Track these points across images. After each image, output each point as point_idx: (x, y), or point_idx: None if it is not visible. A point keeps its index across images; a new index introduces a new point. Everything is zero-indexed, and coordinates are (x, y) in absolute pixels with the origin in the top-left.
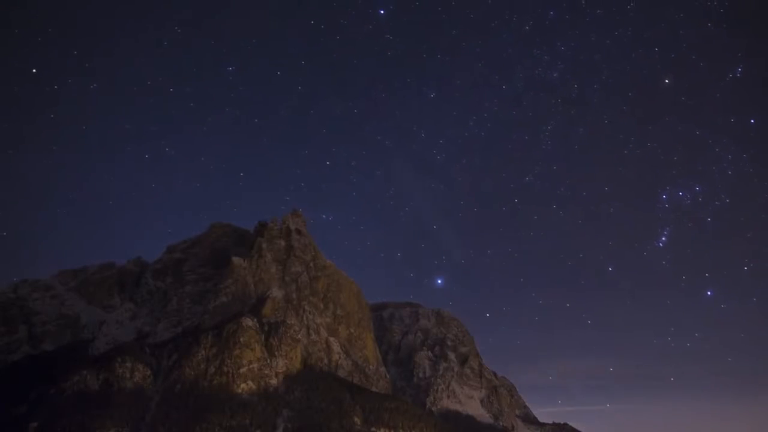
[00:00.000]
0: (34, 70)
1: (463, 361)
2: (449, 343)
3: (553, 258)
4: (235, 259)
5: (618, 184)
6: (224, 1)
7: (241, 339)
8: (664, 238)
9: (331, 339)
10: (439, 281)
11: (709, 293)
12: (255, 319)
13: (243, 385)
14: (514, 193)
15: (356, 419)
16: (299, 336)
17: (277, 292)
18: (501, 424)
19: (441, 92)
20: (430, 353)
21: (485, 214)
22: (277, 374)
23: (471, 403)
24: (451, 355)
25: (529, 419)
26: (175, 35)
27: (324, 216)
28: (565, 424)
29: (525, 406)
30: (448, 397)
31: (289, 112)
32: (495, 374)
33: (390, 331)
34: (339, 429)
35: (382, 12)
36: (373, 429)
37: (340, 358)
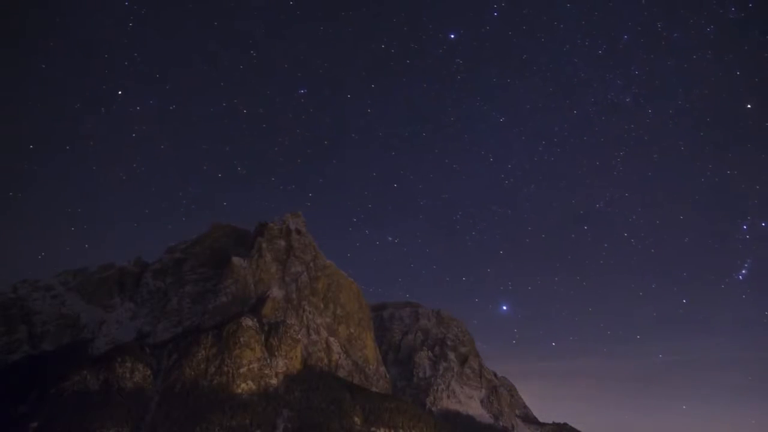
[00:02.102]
0: (119, 92)
1: (463, 361)
2: (449, 343)
3: (623, 288)
4: (235, 259)
5: (694, 212)
6: (297, 25)
7: (241, 339)
8: (744, 271)
9: (331, 339)
10: (504, 307)
11: None
12: (255, 319)
13: (243, 385)
14: (583, 219)
15: (356, 419)
16: (299, 336)
17: (277, 292)
18: (501, 424)
19: (510, 116)
20: (430, 353)
21: (553, 241)
22: (277, 374)
23: (471, 403)
24: (451, 355)
25: (529, 419)
26: (250, 59)
27: (390, 238)
28: (565, 424)
29: (525, 406)
30: (448, 397)
31: (358, 135)
32: (495, 374)
33: (390, 331)
34: (339, 429)
35: (452, 36)
36: (373, 429)
37: (340, 358)
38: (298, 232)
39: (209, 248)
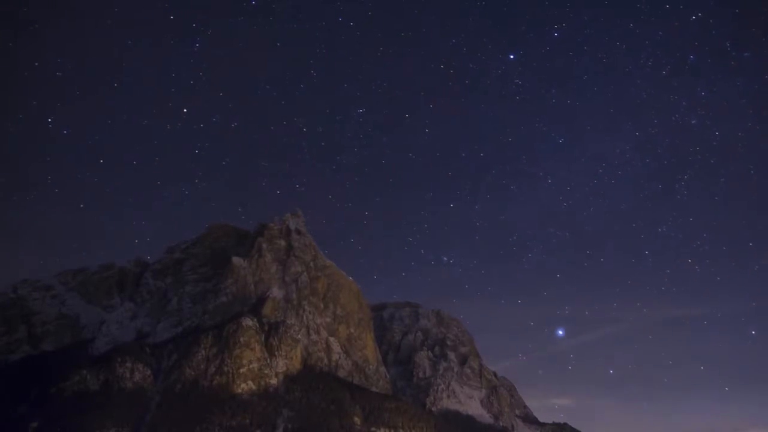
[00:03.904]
0: (185, 110)
1: (463, 361)
2: (449, 343)
3: (686, 316)
4: (235, 259)
5: (764, 239)
6: (357, 46)
7: (241, 339)
8: None
9: (331, 339)
10: (560, 332)
11: None
12: (255, 319)
13: (243, 385)
14: (645, 244)
15: (356, 419)
16: (299, 336)
17: (277, 292)
18: (501, 424)
19: (570, 138)
20: (430, 353)
21: (613, 265)
22: (277, 374)
23: (471, 403)
24: (451, 355)
25: (529, 419)
26: (310, 78)
27: (445, 258)
28: (565, 424)
29: (525, 406)
30: (448, 397)
31: (416, 155)
32: (495, 374)
33: (390, 331)
34: (339, 429)
35: (511, 57)
36: (373, 429)
37: (340, 358)
38: (298, 232)
39: (209, 248)
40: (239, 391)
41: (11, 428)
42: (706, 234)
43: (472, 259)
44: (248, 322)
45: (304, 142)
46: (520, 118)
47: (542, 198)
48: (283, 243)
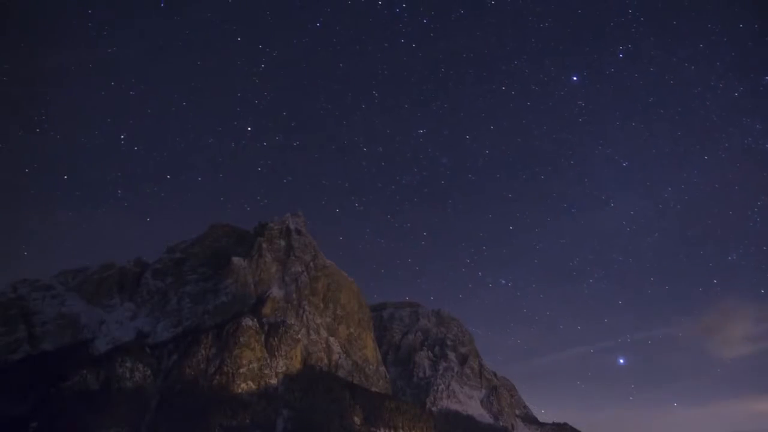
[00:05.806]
0: (249, 129)
1: (463, 361)
2: (449, 343)
3: (759, 350)
4: (235, 259)
5: None
6: (419, 67)
7: (241, 339)
8: None
9: (331, 339)
10: (621, 360)
11: None
12: (255, 319)
13: (243, 385)
14: (712, 272)
15: (356, 419)
16: (299, 336)
17: (277, 292)
18: (501, 423)
19: (634, 161)
20: (430, 353)
21: (678, 293)
22: (277, 374)
23: (471, 403)
24: (451, 355)
25: (529, 419)
26: (371, 98)
27: (503, 281)
28: (565, 424)
29: (525, 406)
30: (448, 397)
31: (475, 176)
32: (495, 374)
33: (390, 331)
34: (339, 429)
35: (575, 78)
36: (373, 429)
37: (340, 358)
38: (298, 232)
39: (209, 248)
40: (239, 391)
41: (11, 428)
42: None
43: (531, 283)
44: (248, 322)
45: (364, 162)
46: (582, 140)
47: (604, 222)
48: (283, 243)
